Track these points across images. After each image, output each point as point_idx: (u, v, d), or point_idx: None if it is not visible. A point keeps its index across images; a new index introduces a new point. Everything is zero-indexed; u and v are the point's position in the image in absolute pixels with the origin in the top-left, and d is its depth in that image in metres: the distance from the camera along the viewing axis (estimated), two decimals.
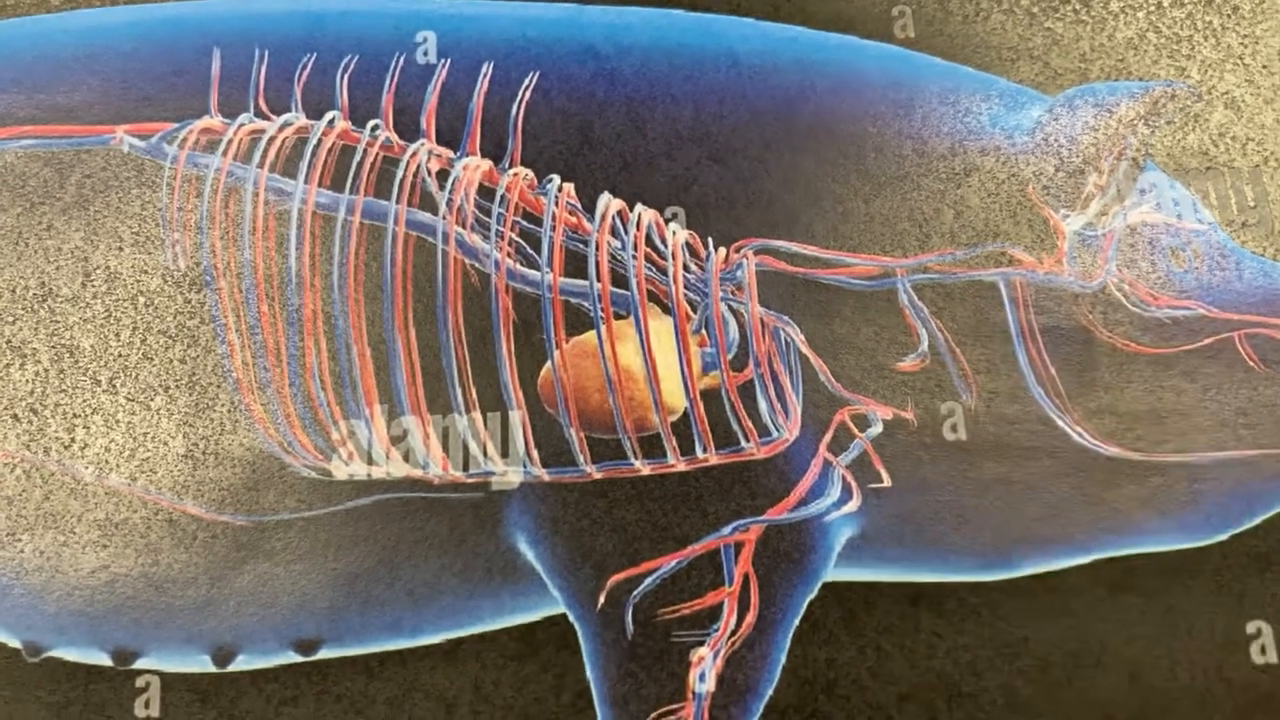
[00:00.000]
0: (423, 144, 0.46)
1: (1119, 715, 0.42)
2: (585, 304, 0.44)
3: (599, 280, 0.44)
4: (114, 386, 0.43)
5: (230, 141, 0.46)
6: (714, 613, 0.42)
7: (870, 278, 0.46)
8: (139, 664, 0.41)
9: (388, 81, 0.47)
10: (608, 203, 0.46)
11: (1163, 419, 0.44)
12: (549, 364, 0.44)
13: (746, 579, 0.42)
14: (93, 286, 0.44)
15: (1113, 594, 0.43)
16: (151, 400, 0.43)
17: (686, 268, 0.45)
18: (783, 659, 0.42)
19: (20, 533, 0.42)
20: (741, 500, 0.43)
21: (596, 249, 0.45)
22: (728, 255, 0.46)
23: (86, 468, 0.43)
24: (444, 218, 0.45)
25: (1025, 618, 0.42)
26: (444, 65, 0.47)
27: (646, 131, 0.47)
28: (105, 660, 0.41)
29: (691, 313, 0.45)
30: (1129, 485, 0.44)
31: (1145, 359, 0.45)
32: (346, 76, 0.47)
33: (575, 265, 0.45)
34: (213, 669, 0.41)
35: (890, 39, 0.49)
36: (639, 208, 0.46)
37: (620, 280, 0.45)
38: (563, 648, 0.42)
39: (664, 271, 0.45)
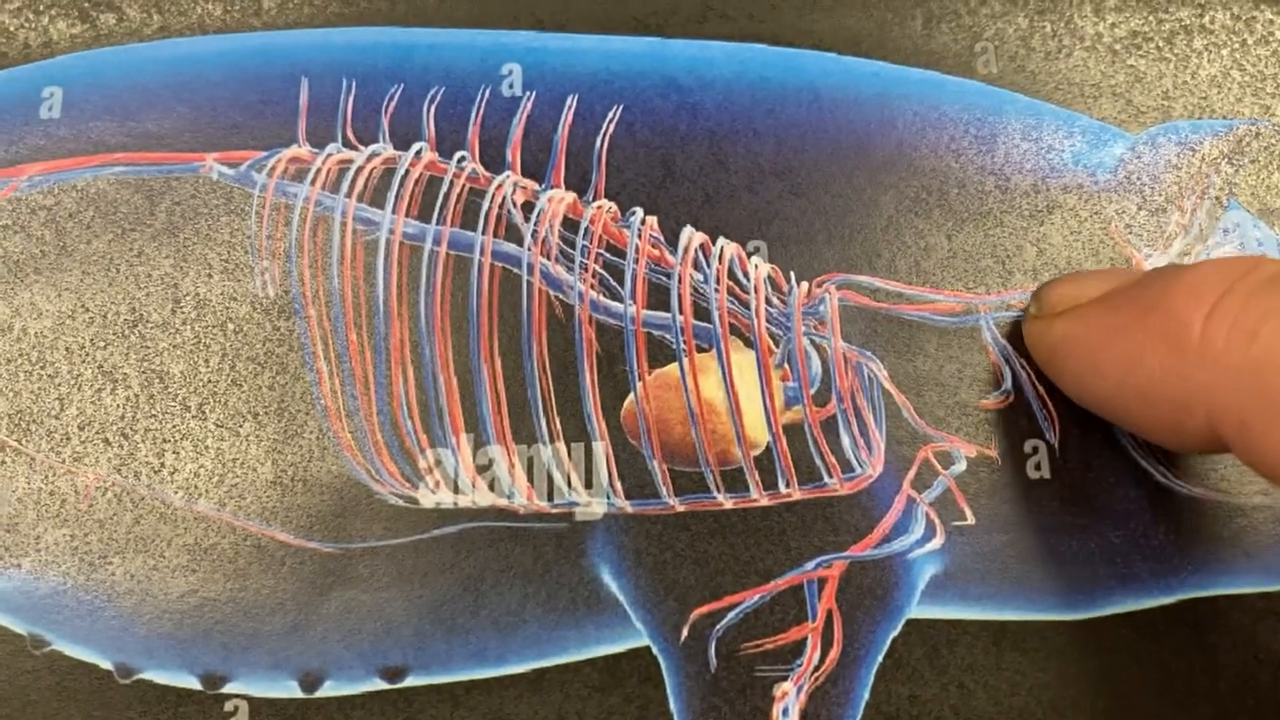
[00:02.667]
0: (508, 176, 0.47)
1: None
2: (668, 336, 0.45)
3: (681, 313, 0.45)
4: (203, 412, 0.44)
5: (318, 171, 0.47)
6: (797, 648, 0.42)
7: (953, 314, 0.46)
8: (227, 688, 0.42)
9: (474, 113, 0.48)
10: (690, 236, 0.46)
11: None
12: (632, 396, 0.44)
13: (830, 614, 0.42)
14: (182, 313, 0.45)
15: (1198, 634, 0.43)
16: (240, 426, 0.44)
17: (769, 301, 0.45)
18: (866, 695, 0.42)
19: (111, 555, 0.42)
20: (824, 536, 0.43)
21: (679, 282, 0.45)
22: (810, 289, 0.46)
23: (176, 492, 0.43)
24: (529, 249, 0.45)
25: (1109, 657, 0.42)
26: (529, 98, 0.48)
27: (729, 165, 0.47)
28: (194, 684, 0.42)
29: (774, 347, 0.45)
30: (1213, 526, 0.44)
31: None
32: (433, 108, 0.48)
33: (658, 298, 0.45)
34: (300, 695, 0.42)
35: (973, 74, 0.50)
36: (721, 241, 0.46)
37: (702, 313, 0.45)
38: (646, 680, 0.42)
39: (746, 305, 0.45)
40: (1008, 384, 0.45)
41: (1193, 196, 0.47)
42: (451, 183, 0.46)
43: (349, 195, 0.46)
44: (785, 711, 0.41)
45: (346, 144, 0.47)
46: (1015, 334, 0.45)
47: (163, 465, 0.43)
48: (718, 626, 0.42)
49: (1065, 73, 0.50)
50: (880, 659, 0.42)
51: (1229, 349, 0.34)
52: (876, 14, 0.50)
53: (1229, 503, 0.44)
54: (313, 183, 0.46)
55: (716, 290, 0.45)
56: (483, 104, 0.48)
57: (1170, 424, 0.37)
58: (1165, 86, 0.50)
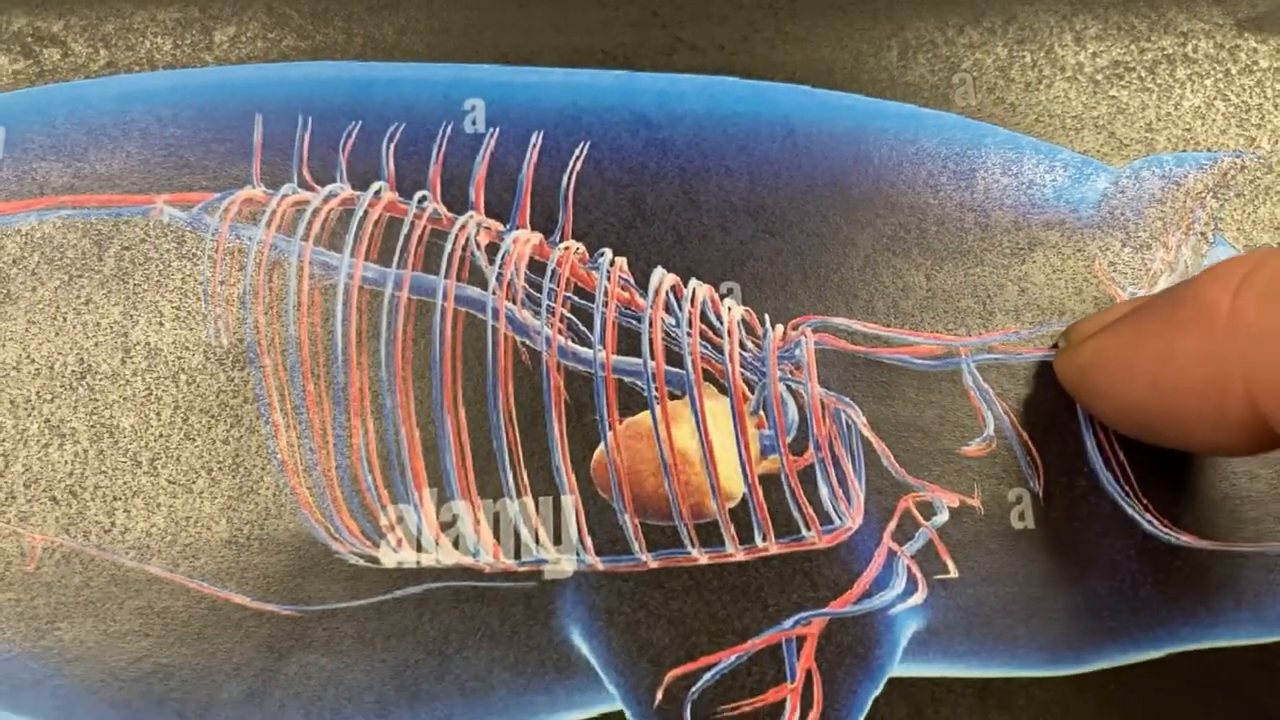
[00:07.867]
0: (471, 216, 0.45)
1: None
2: (639, 383, 0.43)
3: (653, 358, 0.43)
4: (155, 468, 0.42)
5: (273, 213, 0.45)
6: (776, 710, 0.40)
7: (934, 357, 0.44)
8: None
9: (435, 151, 0.46)
10: (661, 278, 0.45)
11: (1236, 506, 0.43)
12: (602, 446, 0.43)
13: (809, 674, 0.40)
14: (133, 363, 0.43)
15: (1189, 690, 0.41)
16: (194, 483, 0.42)
17: (743, 345, 0.44)
18: None
19: (60, 620, 0.41)
20: (803, 592, 0.41)
21: (650, 326, 0.43)
22: (785, 333, 0.44)
23: (127, 553, 0.41)
24: (494, 293, 0.44)
25: (1098, 715, 0.41)
26: (493, 134, 0.46)
27: (700, 203, 0.46)
28: None
29: (749, 393, 0.43)
30: (1202, 575, 0.42)
31: None
32: (393, 145, 0.46)
33: (628, 343, 0.44)
34: None
35: (950, 107, 0.48)
36: (693, 282, 0.45)
37: (675, 358, 0.43)
38: None
39: (720, 349, 0.44)
40: (989, 430, 0.43)
41: (1177, 232, 0.46)
42: (412, 224, 0.45)
43: (305, 238, 0.44)
44: None
45: (303, 184, 0.45)
46: (998, 378, 0.44)
47: (113, 524, 0.42)
48: (693, 689, 0.40)
49: (1046, 104, 0.48)
50: None
51: (1260, 316, 0.34)
52: (851, 45, 0.49)
53: (1218, 550, 0.43)
54: (268, 225, 0.45)
55: (689, 334, 0.43)
56: (444, 141, 0.46)
57: (1211, 414, 0.36)
58: (1148, 118, 0.48)
